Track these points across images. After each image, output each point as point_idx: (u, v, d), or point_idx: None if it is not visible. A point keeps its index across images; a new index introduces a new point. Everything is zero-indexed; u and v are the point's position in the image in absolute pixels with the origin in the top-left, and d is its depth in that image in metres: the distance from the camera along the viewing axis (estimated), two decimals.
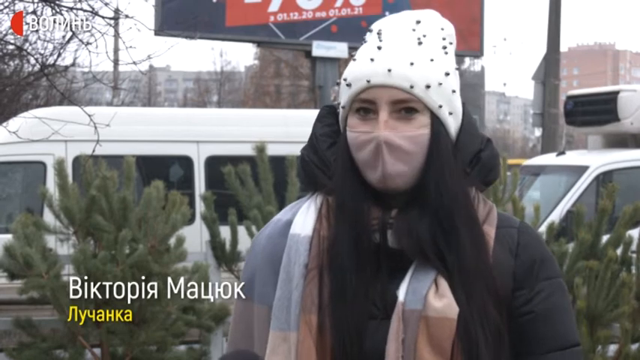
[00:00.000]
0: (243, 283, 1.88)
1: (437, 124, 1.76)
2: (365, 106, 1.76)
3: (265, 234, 1.87)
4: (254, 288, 1.84)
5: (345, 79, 1.79)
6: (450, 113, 1.77)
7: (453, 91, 1.78)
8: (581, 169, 10.65)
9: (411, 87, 1.73)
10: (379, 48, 1.76)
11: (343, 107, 1.81)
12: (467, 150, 1.80)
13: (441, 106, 1.76)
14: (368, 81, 1.74)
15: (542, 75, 17.91)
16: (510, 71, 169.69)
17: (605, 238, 5.74)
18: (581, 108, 11.74)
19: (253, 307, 1.83)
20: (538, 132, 25.26)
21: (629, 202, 6.03)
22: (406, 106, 1.74)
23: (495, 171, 1.84)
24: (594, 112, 11.43)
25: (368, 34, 1.83)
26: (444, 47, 1.80)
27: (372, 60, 1.75)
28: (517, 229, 1.82)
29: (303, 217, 1.81)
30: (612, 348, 5.44)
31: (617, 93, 11.32)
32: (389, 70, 1.73)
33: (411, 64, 1.74)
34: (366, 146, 1.74)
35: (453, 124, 1.79)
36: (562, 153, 11.81)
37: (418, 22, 1.81)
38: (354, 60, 1.78)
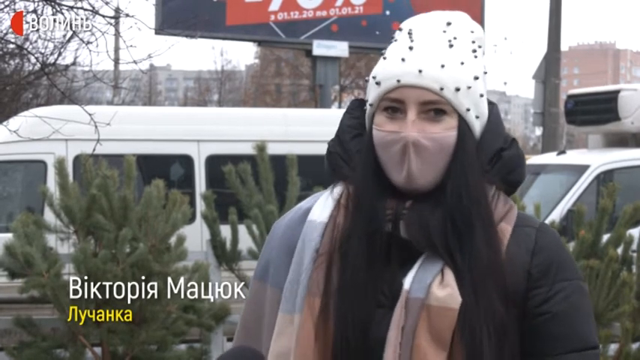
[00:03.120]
0: (259, 265, 1.91)
1: (463, 126, 1.77)
2: (393, 105, 1.76)
3: (285, 220, 1.90)
4: (269, 270, 1.87)
5: (374, 77, 1.79)
6: (477, 117, 1.79)
7: (481, 95, 1.79)
8: (581, 169, 10.65)
9: (441, 89, 1.74)
10: (410, 48, 1.77)
11: (370, 105, 1.81)
12: (488, 148, 1.81)
13: (468, 110, 1.77)
14: (398, 80, 1.75)
15: (542, 74, 17.90)
16: (511, 70, 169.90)
17: (605, 237, 5.74)
18: (581, 107, 11.73)
19: (267, 288, 1.86)
20: (539, 131, 25.26)
21: (629, 201, 6.03)
22: (435, 107, 1.75)
23: (518, 172, 1.84)
24: (595, 111, 11.43)
25: (397, 32, 1.83)
26: (474, 51, 1.81)
27: (403, 60, 1.76)
28: (536, 229, 1.82)
29: (322, 205, 1.84)
30: (613, 347, 5.44)
31: (617, 92, 11.32)
32: (420, 71, 1.74)
33: (442, 66, 1.74)
34: (393, 146, 1.75)
35: (478, 127, 1.80)
36: (562, 152, 11.80)
37: (449, 23, 1.81)
38: (384, 58, 1.79)
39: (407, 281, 1.73)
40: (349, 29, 16.67)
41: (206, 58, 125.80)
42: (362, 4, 16.88)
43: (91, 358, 5.85)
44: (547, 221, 8.38)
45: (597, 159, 10.82)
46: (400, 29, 1.83)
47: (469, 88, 1.76)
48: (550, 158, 11.99)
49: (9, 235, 5.85)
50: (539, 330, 1.76)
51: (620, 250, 5.56)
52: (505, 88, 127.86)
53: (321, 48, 16.62)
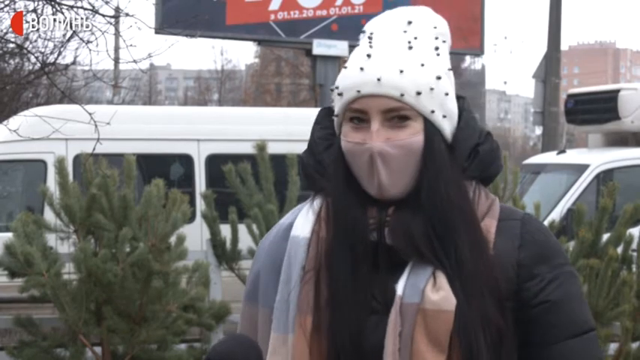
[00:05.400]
0: (247, 286, 1.90)
1: (430, 129, 1.75)
2: (357, 115, 1.76)
3: (269, 238, 1.89)
4: (258, 290, 1.86)
5: (336, 88, 1.78)
6: (444, 116, 1.76)
7: (446, 94, 1.77)
8: (581, 168, 10.65)
9: (402, 95, 1.72)
10: (369, 56, 1.75)
11: (336, 115, 1.81)
12: (464, 145, 1.79)
13: (433, 111, 1.75)
14: (358, 91, 1.74)
15: (542, 73, 17.89)
16: (511, 70, 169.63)
17: (605, 236, 5.74)
18: (581, 106, 11.74)
19: (258, 309, 1.85)
20: (539, 130, 25.24)
21: (629, 200, 6.03)
22: (397, 114, 1.74)
23: (496, 165, 1.83)
24: (595, 110, 11.43)
25: (361, 35, 1.82)
26: (436, 48, 1.79)
27: (361, 69, 1.74)
28: (520, 221, 1.81)
29: (303, 220, 1.82)
30: (613, 347, 5.44)
31: (617, 91, 11.33)
32: (378, 80, 1.72)
33: (401, 71, 1.72)
34: (361, 157, 1.74)
35: (448, 126, 1.78)
36: (562, 151, 11.81)
37: (409, 22, 1.79)
38: (345, 67, 1.78)
39: (399, 287, 1.72)
40: (349, 28, 16.63)
41: (206, 57, 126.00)
42: (362, 4, 16.88)
43: (92, 357, 5.85)
44: (547, 220, 8.38)
45: (597, 158, 10.83)
46: (363, 32, 1.82)
47: (432, 89, 1.74)
48: (550, 157, 12.00)
49: (9, 235, 5.85)
50: (537, 320, 1.76)
51: (620, 250, 5.56)
52: (505, 88, 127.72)
53: (321, 47, 16.60)
